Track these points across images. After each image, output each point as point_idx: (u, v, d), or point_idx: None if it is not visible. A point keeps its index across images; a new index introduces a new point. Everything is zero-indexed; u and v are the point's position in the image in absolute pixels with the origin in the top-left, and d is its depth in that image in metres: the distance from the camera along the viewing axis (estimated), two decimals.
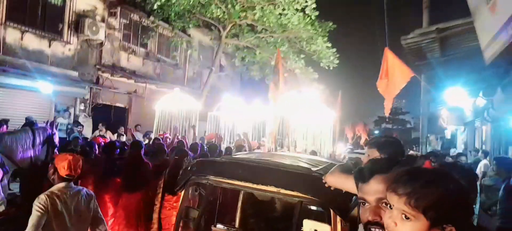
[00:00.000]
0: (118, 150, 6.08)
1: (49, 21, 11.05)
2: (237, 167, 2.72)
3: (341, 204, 2.39)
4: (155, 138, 8.67)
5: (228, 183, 2.70)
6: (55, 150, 5.35)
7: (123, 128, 11.70)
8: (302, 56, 14.55)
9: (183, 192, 2.87)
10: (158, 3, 11.93)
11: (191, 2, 12.06)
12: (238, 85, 20.23)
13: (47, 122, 5.60)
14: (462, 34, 5.22)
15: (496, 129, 9.09)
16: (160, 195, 4.19)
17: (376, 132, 38.14)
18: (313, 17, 12.91)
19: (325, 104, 10.99)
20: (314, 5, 12.73)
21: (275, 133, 8.07)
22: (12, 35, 10.05)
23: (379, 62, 7.71)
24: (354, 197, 2.43)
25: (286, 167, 2.76)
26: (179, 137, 8.84)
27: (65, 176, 3.07)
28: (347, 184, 2.31)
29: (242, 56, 15.85)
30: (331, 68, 14.36)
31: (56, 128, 5.75)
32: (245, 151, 6.56)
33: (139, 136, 11.26)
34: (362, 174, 1.45)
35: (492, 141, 9.65)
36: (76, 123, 10.81)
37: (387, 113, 7.67)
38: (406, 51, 6.24)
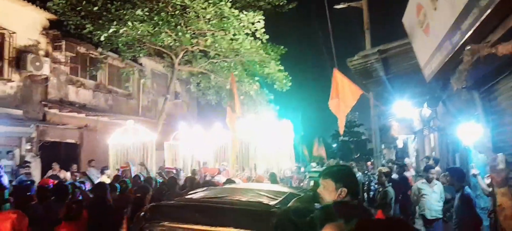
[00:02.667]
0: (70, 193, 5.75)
1: None
2: (194, 210, 2.64)
3: None
4: (115, 175, 8.33)
5: (185, 228, 2.61)
6: (4, 192, 5.07)
7: (75, 165, 11.11)
8: (256, 78, 14.73)
9: None
10: (105, 34, 11.61)
11: (139, 32, 11.84)
12: (195, 111, 20.04)
13: None
14: (402, 53, 5.56)
15: (443, 137, 9.66)
16: None
17: (334, 145, 39.17)
18: (264, 41, 13.16)
19: (283, 123, 11.14)
20: (263, 29, 12.99)
21: (235, 158, 8.04)
22: None
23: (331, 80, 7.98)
24: None
25: (244, 204, 2.73)
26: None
27: None
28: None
29: (197, 82, 15.77)
30: (284, 90, 14.64)
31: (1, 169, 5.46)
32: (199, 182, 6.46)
33: (93, 172, 10.76)
34: (313, 224, 1.44)
35: (440, 148, 10.23)
36: (24, 162, 10.10)
37: (341, 132, 7.94)
38: (353, 72, 6.53)
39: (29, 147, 11.12)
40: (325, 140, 37.30)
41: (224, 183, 7.03)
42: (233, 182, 7.38)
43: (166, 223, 2.63)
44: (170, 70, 14.81)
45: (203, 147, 11.58)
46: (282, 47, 14.15)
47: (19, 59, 10.95)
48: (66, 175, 10.32)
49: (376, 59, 5.71)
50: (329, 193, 2.44)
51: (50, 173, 10.23)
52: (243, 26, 12.75)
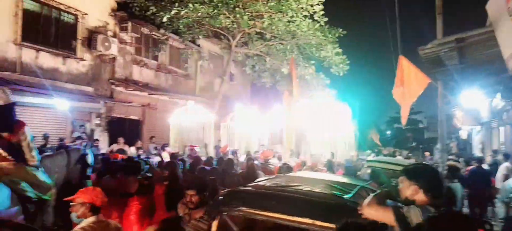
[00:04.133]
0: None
1: (62, 39, 11.19)
2: (270, 198, 2.72)
3: None
4: (172, 153, 8.74)
5: (262, 215, 2.70)
6: (89, 169, 5.51)
7: (139, 141, 11.79)
8: (312, 62, 14.54)
9: (215, 223, 2.87)
10: (167, 16, 12.06)
11: (199, 14, 12.15)
12: (249, 93, 20.27)
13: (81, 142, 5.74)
14: (480, 42, 5.18)
15: None
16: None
17: (388, 132, 37.68)
18: (322, 23, 12.90)
19: (341, 108, 10.86)
20: (322, 12, 12.75)
21: (291, 142, 8.08)
22: (28, 54, 10.20)
23: (390, 64, 7.63)
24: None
25: (319, 196, 2.75)
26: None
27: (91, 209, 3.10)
28: (385, 216, 2.31)
29: (252, 64, 15.89)
30: (341, 74, 14.31)
31: (88, 148, 5.96)
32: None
33: (152, 148, 11.42)
34: None
35: None
36: (94, 140, 10.86)
37: (404, 122, 7.63)
38: (423, 60, 6.20)
39: (98, 122, 11.97)
40: (379, 127, 36.07)
41: (280, 168, 7.12)
42: (290, 166, 7.45)
43: (244, 208, 2.74)
44: (227, 52, 15.07)
45: (259, 129, 11.75)
46: (340, 29, 13.76)
47: (90, 40, 11.71)
48: (130, 150, 11.02)
49: (451, 48, 5.37)
50: (404, 190, 2.46)
51: (115, 147, 10.98)
52: (302, 8, 12.60)
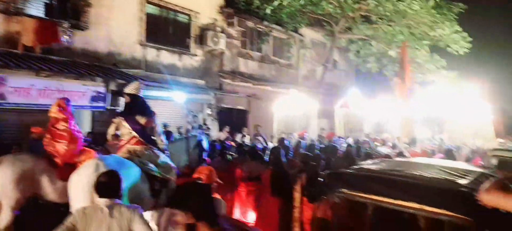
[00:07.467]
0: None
1: (178, 38, 12.38)
2: (373, 181, 2.63)
3: (499, 225, 2.11)
4: (281, 139, 8.97)
5: (364, 197, 2.62)
6: (205, 154, 6.09)
7: (246, 128, 12.42)
8: (425, 42, 13.29)
9: (317, 204, 2.90)
10: (271, 7, 12.33)
11: (302, 2, 12.12)
12: (353, 80, 19.55)
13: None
14: None
15: None
16: (298, 199, 4.31)
17: None
18: (437, 1, 11.65)
19: (466, 94, 9.65)
20: None
21: (406, 131, 7.55)
22: (151, 53, 11.57)
23: None
24: None
25: (428, 180, 2.55)
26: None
27: None
28: (510, 204, 2.04)
29: (357, 50, 15.30)
30: (460, 53, 12.78)
31: (203, 135, 6.60)
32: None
33: (259, 137, 11.87)
34: None
35: None
36: (203, 128, 11.81)
37: None
38: None
39: (210, 112, 12.96)
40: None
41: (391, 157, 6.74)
42: (404, 155, 7.01)
43: (346, 191, 2.70)
44: (330, 38, 14.78)
45: (367, 116, 11.31)
46: (460, 4, 12.27)
47: (201, 37, 12.70)
48: (237, 137, 11.67)
49: None
50: None
51: (222, 135, 11.74)
52: None
